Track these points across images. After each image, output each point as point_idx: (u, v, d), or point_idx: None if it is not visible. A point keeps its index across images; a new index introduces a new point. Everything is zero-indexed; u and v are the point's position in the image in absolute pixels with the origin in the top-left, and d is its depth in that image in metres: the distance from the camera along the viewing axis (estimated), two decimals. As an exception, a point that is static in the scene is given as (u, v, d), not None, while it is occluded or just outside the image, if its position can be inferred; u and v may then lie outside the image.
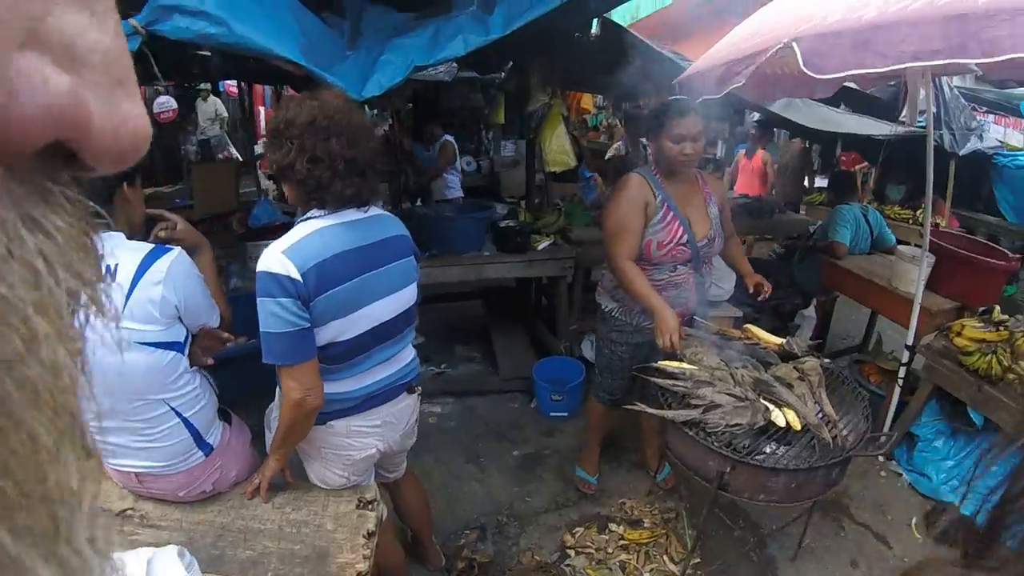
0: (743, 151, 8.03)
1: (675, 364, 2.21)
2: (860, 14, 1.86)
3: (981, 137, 6.57)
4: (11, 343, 0.19)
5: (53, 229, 0.21)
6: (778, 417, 1.98)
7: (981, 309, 3.94)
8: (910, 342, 3.42)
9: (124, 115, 0.23)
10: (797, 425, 1.98)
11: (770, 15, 2.49)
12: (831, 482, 1.97)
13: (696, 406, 1.96)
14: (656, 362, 2.31)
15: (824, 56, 1.86)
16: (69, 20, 0.21)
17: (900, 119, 5.36)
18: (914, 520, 3.36)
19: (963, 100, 6.18)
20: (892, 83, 5.29)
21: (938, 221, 6.67)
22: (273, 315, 1.54)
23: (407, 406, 1.98)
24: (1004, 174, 7.09)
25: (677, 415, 1.85)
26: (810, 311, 4.40)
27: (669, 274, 2.54)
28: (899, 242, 4.79)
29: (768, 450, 2.03)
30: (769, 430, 2.02)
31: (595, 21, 3.42)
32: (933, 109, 4.48)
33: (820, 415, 2.08)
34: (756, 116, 7.74)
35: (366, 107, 3.33)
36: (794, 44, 1.92)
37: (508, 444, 3.58)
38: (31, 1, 0.19)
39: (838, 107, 5.64)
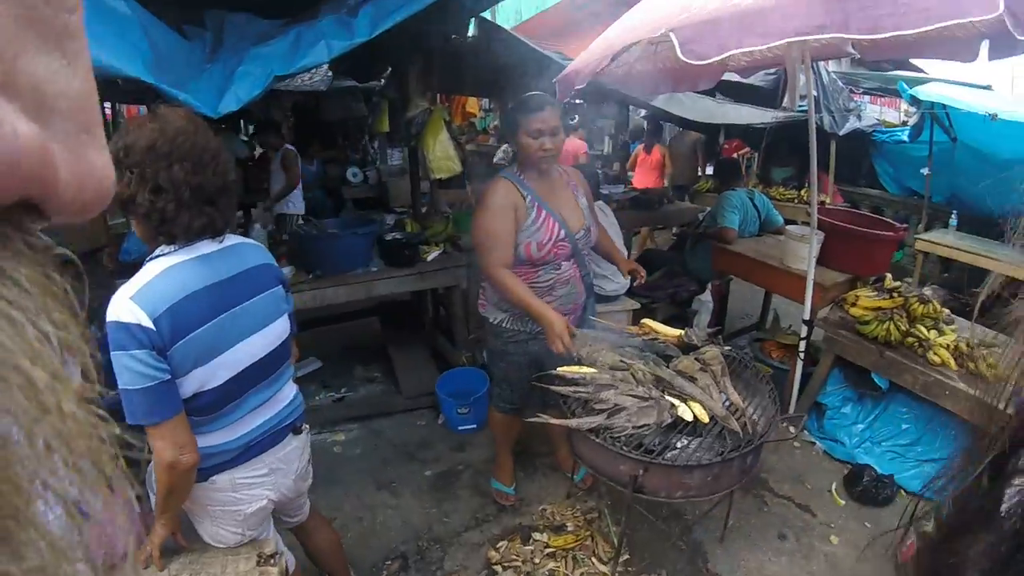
0: (640, 146, 8.25)
1: (574, 369, 2.16)
2: (738, 1, 1.86)
3: (859, 117, 7.02)
4: (12, 395, 0.19)
5: (20, 277, 0.21)
6: (685, 412, 1.97)
7: (872, 278, 4.15)
8: (807, 317, 3.55)
9: (90, 167, 0.23)
10: (705, 418, 1.97)
11: (648, 9, 2.49)
12: (747, 469, 1.98)
13: (600, 411, 1.92)
14: (554, 369, 2.26)
15: (702, 42, 1.86)
16: (40, 64, 0.20)
17: (782, 105, 5.64)
18: (834, 485, 3.48)
19: (840, 83, 6.54)
20: (772, 72, 5.55)
21: (823, 198, 7.06)
22: (128, 370, 1.37)
23: (295, 448, 1.82)
24: (883, 149, 7.60)
25: (582, 423, 1.79)
26: (706, 296, 4.50)
27: (555, 273, 2.51)
28: (787, 221, 4.99)
29: (679, 445, 2.02)
30: (679, 424, 2.00)
31: (472, 22, 3.35)
32: (814, 93, 4.71)
33: (727, 404, 2.09)
34: (643, 112, 7.99)
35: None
36: (671, 34, 1.90)
37: (419, 465, 3.44)
38: (2, 44, 0.19)
39: (714, 97, 5.86)
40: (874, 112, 8.40)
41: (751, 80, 5.19)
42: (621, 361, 2.20)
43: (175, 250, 1.48)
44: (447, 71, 3.58)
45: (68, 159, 0.21)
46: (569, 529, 2.89)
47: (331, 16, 2.40)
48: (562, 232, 2.44)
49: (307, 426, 1.88)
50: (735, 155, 8.47)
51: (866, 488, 3.37)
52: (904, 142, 7.08)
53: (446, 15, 2.88)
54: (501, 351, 2.70)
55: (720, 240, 4.43)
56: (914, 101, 5.85)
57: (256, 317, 1.62)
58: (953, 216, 6.38)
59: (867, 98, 7.86)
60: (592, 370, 2.15)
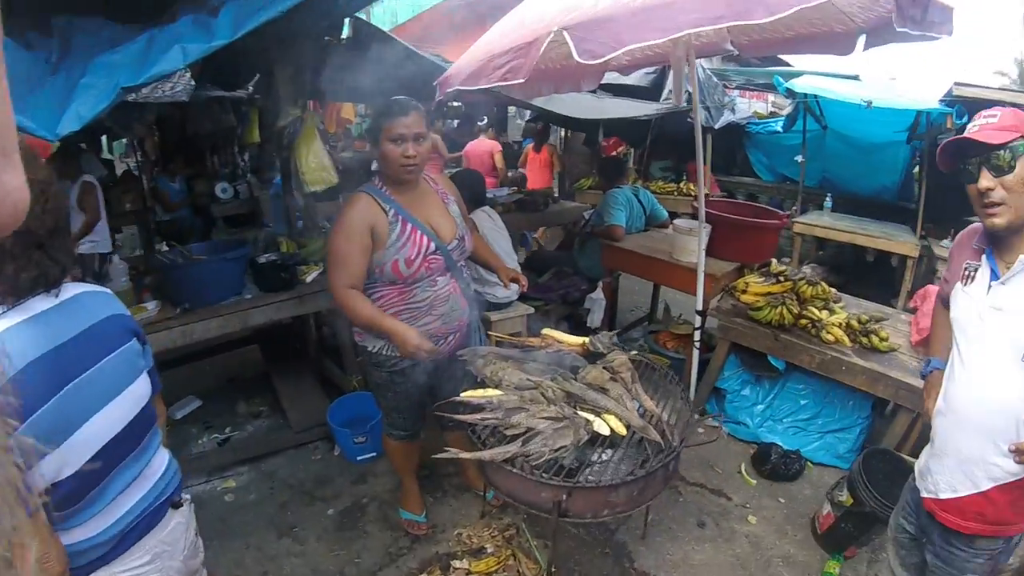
0: (530, 145, 8.28)
1: (478, 393, 2.02)
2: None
3: (733, 110, 7.37)
4: None
5: None
6: (601, 427, 1.89)
7: (757, 265, 4.31)
8: (700, 307, 3.60)
9: (5, 188, 0.24)
10: (622, 430, 1.90)
11: (533, 8, 2.40)
12: (670, 475, 1.93)
13: (513, 437, 1.80)
14: (451, 391, 2.12)
15: (598, 41, 1.77)
16: None
17: (665, 99, 5.79)
18: (743, 467, 3.57)
19: (715, 79, 6.82)
20: (652, 71, 5.70)
21: (695, 188, 7.38)
22: None
23: (179, 525, 1.55)
24: (757, 140, 8.08)
25: (495, 454, 1.66)
26: (598, 294, 4.54)
27: (432, 290, 2.31)
28: (671, 215, 5.14)
29: (599, 459, 1.94)
30: (596, 439, 1.92)
31: (346, 23, 3.13)
32: (688, 89, 4.86)
33: (641, 412, 2.03)
34: (530, 114, 8.03)
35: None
36: (565, 33, 1.81)
37: (321, 504, 3.16)
38: None
39: (594, 94, 5.94)
40: (744, 106, 8.86)
41: (632, 80, 5.31)
42: (527, 379, 2.09)
43: (3, 312, 1.21)
44: (320, 76, 3.33)
45: None
46: (489, 551, 2.75)
47: (189, 17, 2.11)
48: (432, 245, 2.25)
49: (188, 496, 1.61)
50: (615, 152, 8.69)
51: (775, 465, 3.48)
52: (778, 132, 7.54)
53: (317, 16, 2.65)
54: (386, 381, 2.48)
55: (608, 238, 4.44)
56: (789, 93, 6.19)
57: (109, 382, 1.35)
58: (828, 198, 6.84)
59: (736, 93, 8.27)
60: (497, 392, 2.02)
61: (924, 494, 1.85)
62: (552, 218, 6.20)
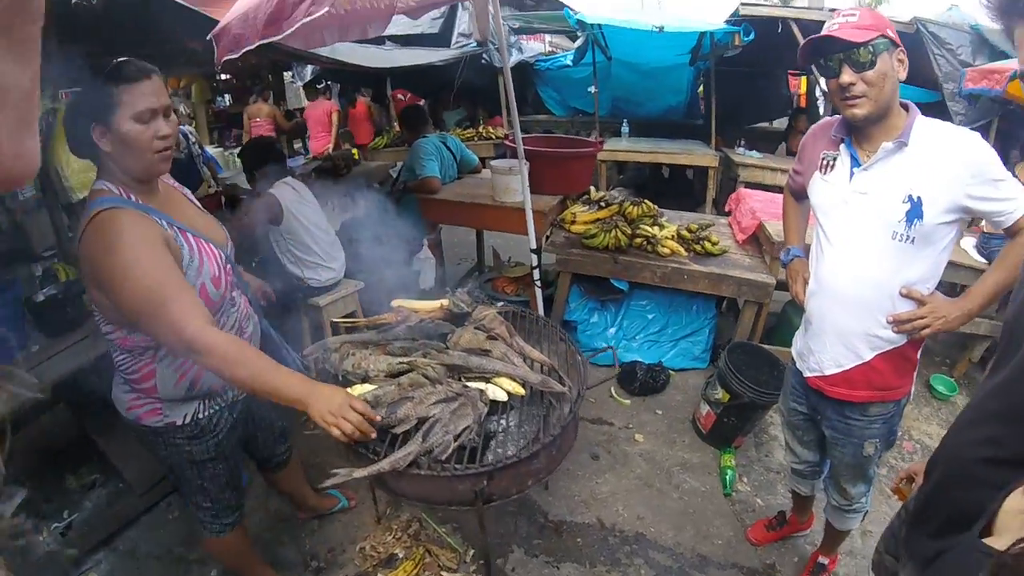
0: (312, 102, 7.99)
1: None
2: None
3: (521, 50, 7.36)
4: None
5: None
6: (497, 393, 1.67)
7: (576, 195, 4.33)
8: (534, 245, 3.50)
9: (24, 149, 0.26)
10: (520, 391, 1.70)
11: None
12: (575, 422, 1.78)
13: (408, 434, 1.51)
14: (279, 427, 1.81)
15: None
16: (5, 63, 0.23)
17: (456, 43, 5.55)
18: (612, 390, 3.62)
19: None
20: (438, 16, 5.42)
21: (501, 130, 7.40)
22: None
23: None
24: (546, 76, 8.21)
25: (396, 461, 1.37)
26: (425, 252, 4.31)
27: (235, 311, 1.76)
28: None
29: (500, 428, 1.73)
30: (495, 408, 1.71)
31: None
32: (497, 21, 4.68)
33: (530, 365, 1.85)
34: (311, 72, 7.49)
35: None
36: None
37: (200, 567, 2.59)
38: None
39: (383, 44, 5.57)
40: (526, 46, 8.95)
41: (420, 28, 4.98)
42: (398, 362, 1.80)
43: None
44: (70, 51, 2.56)
45: (8, 141, 0.25)
46: (401, 556, 2.46)
47: None
48: (221, 254, 1.69)
49: None
50: (418, 102, 8.43)
51: (642, 381, 3.59)
52: (567, 67, 7.71)
53: None
54: (199, 460, 1.80)
55: (425, 191, 4.15)
56: (580, 26, 6.23)
57: None
58: (625, 123, 7.14)
59: (513, 37, 8.32)
60: (369, 386, 1.71)
61: (808, 374, 1.94)
62: (356, 181, 5.73)
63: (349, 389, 1.66)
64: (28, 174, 0.28)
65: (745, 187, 5.31)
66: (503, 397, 1.68)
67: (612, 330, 3.97)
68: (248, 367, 1.42)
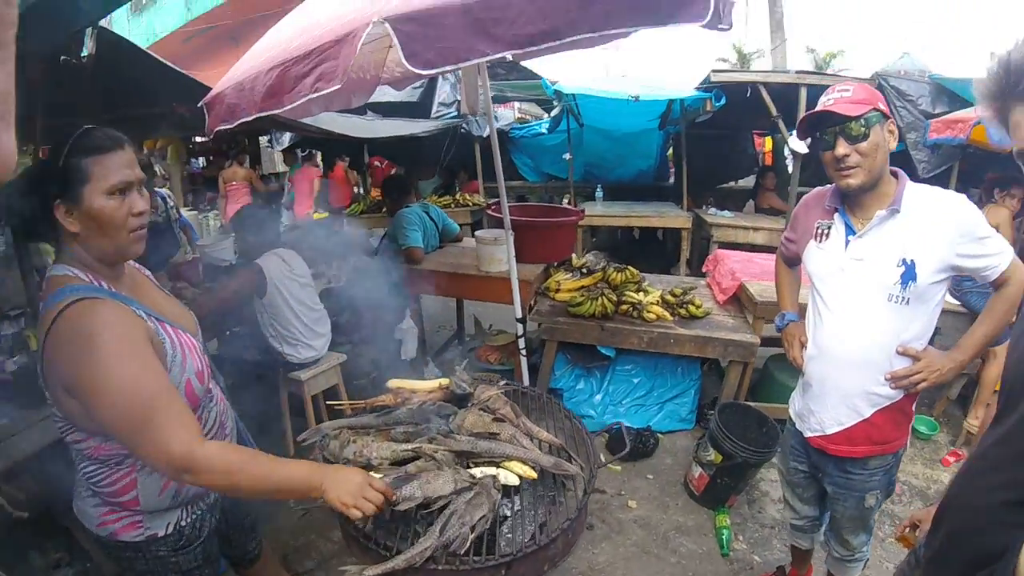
0: (300, 168, 8.03)
1: None
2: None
3: (496, 118, 7.57)
4: None
5: None
6: (509, 478, 1.65)
7: (557, 263, 4.38)
8: (519, 314, 3.51)
9: (6, 147, 0.28)
10: (533, 474, 1.68)
11: (325, 2, 2.06)
12: (587, 504, 1.75)
13: (425, 524, 1.47)
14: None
15: (433, 48, 1.52)
16: None
17: (436, 113, 5.71)
18: (602, 457, 3.52)
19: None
20: (419, 85, 5.59)
21: (477, 199, 7.54)
22: None
23: None
24: (520, 144, 8.44)
25: (413, 557, 1.33)
26: (407, 322, 4.26)
27: (213, 405, 1.58)
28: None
29: (509, 513, 1.69)
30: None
31: (88, 36, 2.38)
32: (457, 97, 4.81)
33: (546, 450, 1.84)
34: (290, 139, 7.60)
35: None
36: (388, 26, 1.52)
37: None
38: None
39: (364, 115, 5.67)
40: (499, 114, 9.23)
41: (401, 96, 5.12)
42: (402, 449, 1.75)
43: None
44: (58, 106, 2.51)
45: None
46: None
47: None
48: (197, 344, 1.52)
49: None
50: (394, 171, 8.58)
51: (632, 446, 3.51)
52: (542, 134, 7.95)
53: (48, 28, 1.98)
54: (186, 569, 1.59)
55: (408, 261, 4.15)
56: (557, 95, 6.46)
57: None
58: (599, 188, 7.33)
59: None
60: (374, 475, 1.65)
61: (809, 434, 2.00)
62: (336, 249, 5.72)
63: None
64: (7, 168, 0.28)
65: (719, 247, 5.46)
66: (515, 482, 1.65)
67: (599, 396, 3.96)
68: (249, 473, 1.28)
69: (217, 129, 2.17)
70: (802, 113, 5.31)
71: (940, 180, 4.97)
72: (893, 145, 1.71)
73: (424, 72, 1.52)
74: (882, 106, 1.68)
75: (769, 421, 3.15)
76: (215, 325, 3.46)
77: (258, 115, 1.98)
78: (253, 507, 1.81)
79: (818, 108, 1.71)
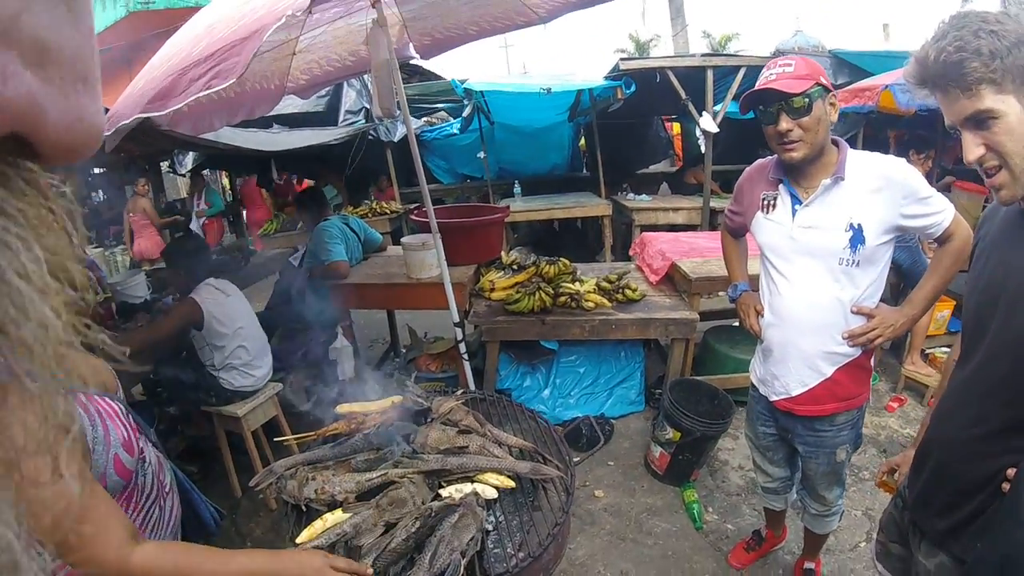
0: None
1: (319, 528, 1.45)
2: None
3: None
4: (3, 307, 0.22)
5: (15, 211, 0.23)
6: (487, 491, 1.57)
7: (487, 263, 4.31)
8: (456, 319, 3.42)
9: (80, 112, 0.24)
10: (511, 483, 1.61)
11: (223, 11, 1.90)
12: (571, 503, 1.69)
13: (404, 554, 1.36)
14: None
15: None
16: (44, 17, 0.22)
17: (343, 121, 5.50)
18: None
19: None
20: (324, 95, 5.37)
21: (395, 206, 7.38)
22: None
23: None
24: (433, 146, 8.26)
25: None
26: (340, 340, 4.05)
27: (149, 468, 1.37)
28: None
29: (490, 527, 1.61)
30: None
31: None
32: (401, 96, 4.65)
33: (518, 455, 1.77)
34: (193, 161, 7.16)
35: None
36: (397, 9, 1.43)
37: None
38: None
39: (269, 128, 5.42)
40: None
41: (306, 107, 4.90)
42: (369, 479, 1.63)
43: None
44: None
45: (60, 103, 0.23)
46: None
47: None
48: (120, 407, 1.32)
49: None
50: (304, 186, 8.28)
51: (588, 437, 3.54)
52: (454, 135, 7.81)
53: None
54: None
55: (333, 277, 3.93)
56: (467, 94, 6.35)
57: None
58: (516, 184, 7.30)
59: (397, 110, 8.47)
60: (341, 514, 1.52)
61: (775, 398, 2.06)
62: (258, 272, 5.44)
63: (320, 520, 1.48)
64: (90, 141, 0.25)
65: (642, 230, 5.55)
66: (493, 494, 1.57)
67: (547, 391, 3.93)
68: (206, 572, 1.13)
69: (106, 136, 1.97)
70: (710, 94, 5.62)
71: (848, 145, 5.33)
72: (834, 117, 1.76)
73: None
74: (824, 80, 1.72)
75: (719, 392, 3.22)
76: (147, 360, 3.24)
77: (139, 116, 1.80)
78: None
79: (760, 85, 1.73)
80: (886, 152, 2.05)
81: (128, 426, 1.29)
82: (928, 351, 4.05)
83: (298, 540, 1.44)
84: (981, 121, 1.05)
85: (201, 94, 1.60)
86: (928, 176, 4.53)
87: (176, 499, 1.51)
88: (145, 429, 1.46)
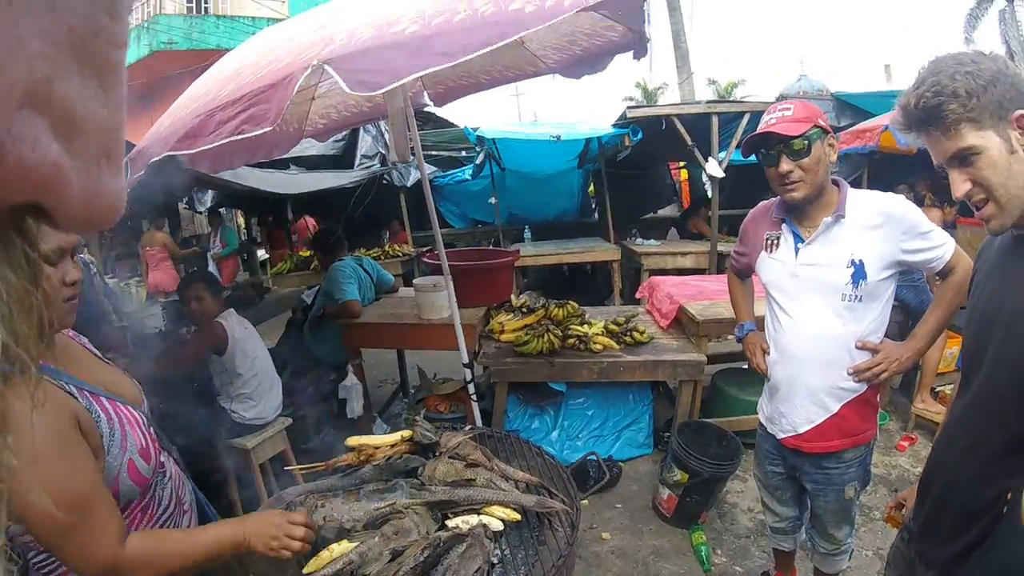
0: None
1: (327, 558, 1.45)
2: (397, 29, 1.56)
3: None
4: None
5: (2, 285, 0.23)
6: (493, 523, 1.58)
7: (496, 304, 4.36)
8: (466, 360, 3.45)
9: (102, 188, 0.25)
10: (517, 516, 1.62)
11: (256, 54, 2.01)
12: (576, 538, 1.70)
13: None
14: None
15: (371, 71, 1.50)
16: (74, 87, 0.22)
17: (360, 164, 5.66)
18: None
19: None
20: (340, 139, 5.55)
21: (407, 249, 7.50)
22: None
23: None
24: (444, 191, 8.45)
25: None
26: (351, 379, 4.08)
27: (166, 479, 1.42)
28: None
29: (496, 560, 1.61)
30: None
31: None
32: (416, 142, 4.84)
33: (524, 489, 1.78)
34: (212, 199, 7.32)
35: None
36: (329, 67, 1.51)
37: None
38: (39, 62, 0.20)
39: (286, 169, 5.58)
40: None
41: (321, 150, 5.06)
42: (376, 508, 1.65)
43: None
44: None
45: (83, 177, 0.23)
46: None
47: None
48: (142, 417, 1.36)
49: None
50: (315, 229, 8.51)
51: (596, 478, 3.52)
52: (466, 180, 8.00)
53: None
54: None
55: (346, 316, 4.01)
56: (479, 141, 6.53)
57: None
58: (527, 229, 7.42)
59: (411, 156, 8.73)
60: (348, 544, 1.53)
61: (782, 436, 2.06)
62: (271, 309, 5.50)
63: (327, 551, 1.49)
64: (107, 219, 0.26)
65: (650, 275, 5.60)
66: (499, 527, 1.58)
67: (555, 433, 3.92)
68: (176, 556, 1.26)
69: (136, 176, 2.05)
70: (715, 139, 5.75)
71: (853, 186, 5.37)
72: (834, 157, 1.83)
73: (367, 93, 1.50)
74: (822, 122, 1.79)
75: (727, 434, 3.21)
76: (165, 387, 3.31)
77: (167, 153, 1.89)
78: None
79: (761, 129, 1.81)
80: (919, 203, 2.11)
81: (147, 436, 1.35)
82: (938, 389, 4.00)
83: (305, 571, 1.45)
84: (964, 158, 1.11)
85: (234, 138, 1.68)
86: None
87: (195, 520, 1.56)
88: (168, 445, 1.53)
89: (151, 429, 1.40)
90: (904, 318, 3.90)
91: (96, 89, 0.23)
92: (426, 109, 3.34)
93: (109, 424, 1.24)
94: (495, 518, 1.60)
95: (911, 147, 4.71)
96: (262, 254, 9.39)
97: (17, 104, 0.20)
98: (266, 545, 1.34)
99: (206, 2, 15.96)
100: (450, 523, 1.61)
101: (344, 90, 1.51)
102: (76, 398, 1.19)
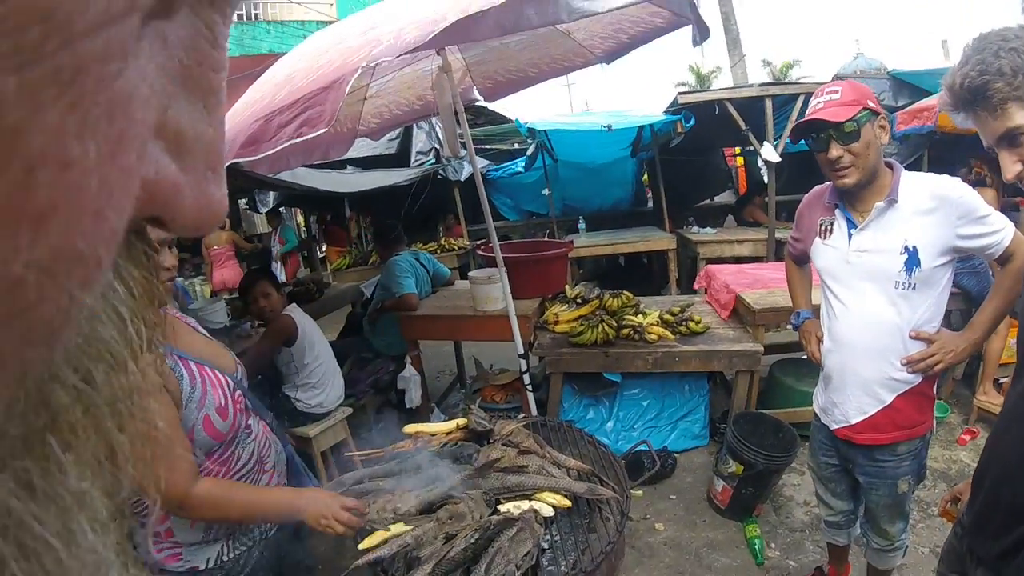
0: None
1: (380, 537, 1.54)
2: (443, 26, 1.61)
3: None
4: (100, 369, 0.24)
5: (131, 280, 0.26)
6: (544, 509, 1.62)
7: (551, 295, 4.39)
8: (521, 351, 3.48)
9: (210, 198, 0.27)
10: (567, 503, 1.66)
11: (308, 55, 2.10)
12: (625, 526, 1.72)
13: (463, 565, 1.42)
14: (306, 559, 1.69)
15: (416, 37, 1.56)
16: (185, 112, 0.24)
17: (415, 162, 5.78)
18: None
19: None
20: (395, 136, 5.69)
21: (463, 242, 7.59)
22: None
23: None
24: (499, 184, 8.52)
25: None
26: (409, 370, 4.19)
27: (251, 440, 1.60)
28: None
29: (546, 545, 1.65)
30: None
31: None
32: (467, 138, 4.92)
33: (576, 476, 1.81)
34: (274, 199, 7.59)
35: None
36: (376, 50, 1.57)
37: None
38: (160, 95, 0.22)
39: (343, 169, 5.75)
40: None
41: (377, 150, 5.20)
42: (430, 491, 1.72)
43: None
44: None
45: (194, 190, 0.25)
46: None
47: None
48: (230, 381, 1.56)
49: None
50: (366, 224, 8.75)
51: (650, 469, 3.49)
52: (519, 173, 8.04)
53: None
54: None
55: (404, 309, 4.12)
56: (530, 133, 6.57)
57: None
58: (581, 220, 7.40)
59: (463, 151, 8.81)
60: (403, 527, 1.60)
61: (835, 427, 2.02)
62: (331, 304, 5.71)
63: (380, 533, 1.57)
64: (213, 223, 0.29)
65: (707, 263, 5.50)
66: (550, 512, 1.62)
67: (610, 423, 3.93)
68: (236, 504, 1.45)
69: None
70: (770, 123, 5.59)
71: (912, 168, 5.10)
72: (885, 140, 1.77)
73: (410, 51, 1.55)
74: (871, 104, 1.73)
75: (784, 426, 3.15)
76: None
77: (231, 161, 2.00)
78: (314, 548, 1.81)
79: (809, 115, 1.77)
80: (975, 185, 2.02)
81: (229, 397, 1.54)
82: (1002, 380, 3.77)
83: (360, 547, 1.53)
84: (1014, 138, 1.07)
85: (294, 141, 1.77)
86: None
87: (277, 481, 1.73)
88: (261, 410, 1.73)
89: (237, 393, 1.58)
90: (967, 306, 3.72)
91: (201, 111, 0.25)
92: (477, 104, 3.38)
93: (191, 383, 1.45)
94: (546, 504, 1.64)
95: (969, 127, 4.43)
96: (324, 249, 9.72)
97: (152, 132, 0.22)
98: (315, 519, 1.48)
99: (256, 9, 16.51)
100: (502, 508, 1.65)
101: (392, 64, 1.55)
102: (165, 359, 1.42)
